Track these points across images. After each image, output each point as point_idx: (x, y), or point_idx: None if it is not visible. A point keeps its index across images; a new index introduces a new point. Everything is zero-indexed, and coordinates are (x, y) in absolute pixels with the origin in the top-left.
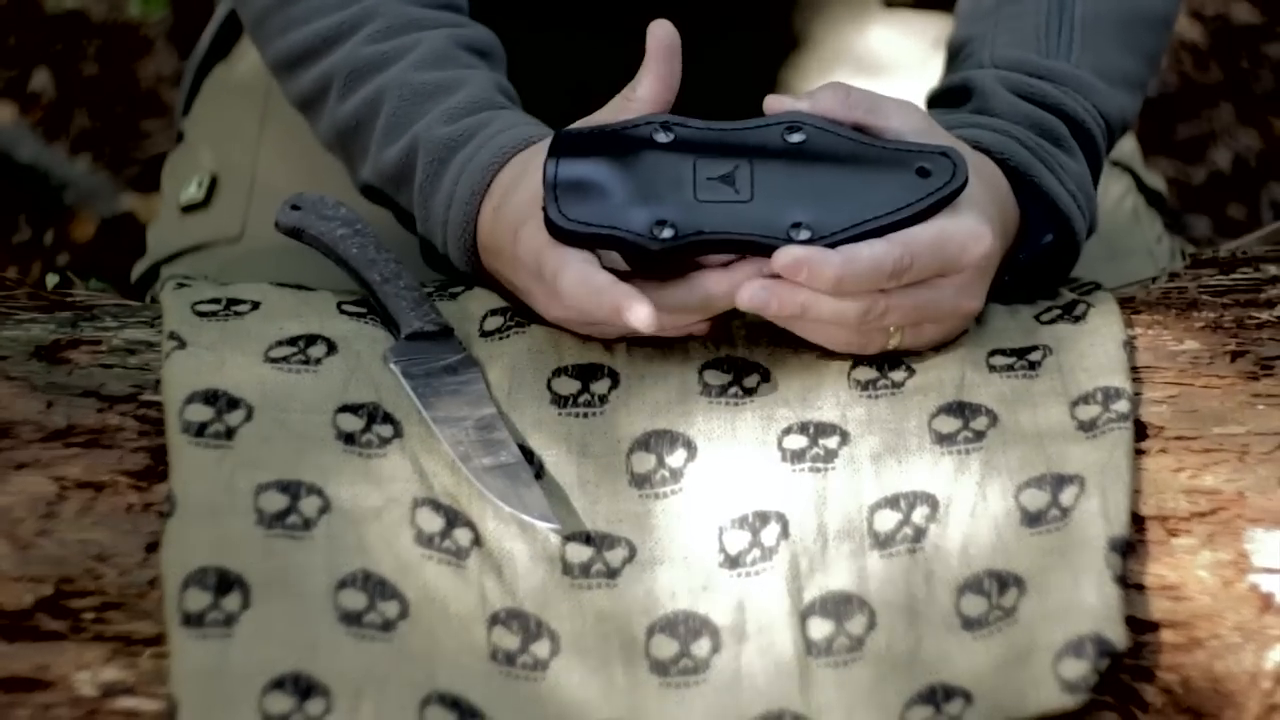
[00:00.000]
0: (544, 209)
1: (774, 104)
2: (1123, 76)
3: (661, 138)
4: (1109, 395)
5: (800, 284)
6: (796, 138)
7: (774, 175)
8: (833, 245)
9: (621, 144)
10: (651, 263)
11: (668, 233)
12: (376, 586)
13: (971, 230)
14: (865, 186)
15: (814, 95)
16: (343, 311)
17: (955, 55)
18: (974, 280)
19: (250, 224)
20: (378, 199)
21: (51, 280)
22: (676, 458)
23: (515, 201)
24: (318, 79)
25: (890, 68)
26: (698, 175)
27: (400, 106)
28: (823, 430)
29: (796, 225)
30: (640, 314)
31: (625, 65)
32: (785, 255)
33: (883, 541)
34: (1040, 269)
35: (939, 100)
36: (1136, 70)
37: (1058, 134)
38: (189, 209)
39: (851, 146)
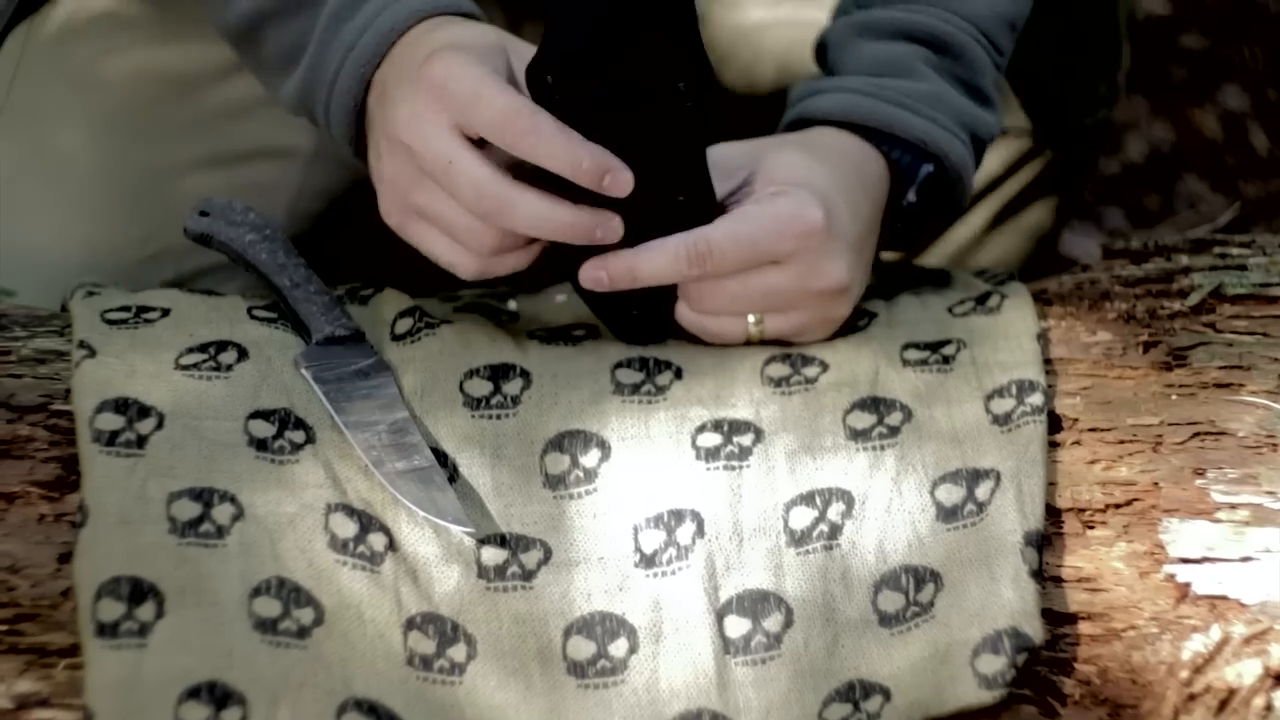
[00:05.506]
0: None
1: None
2: None
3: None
4: (1023, 388)
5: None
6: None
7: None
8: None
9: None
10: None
11: None
12: (291, 593)
13: (787, 214)
14: None
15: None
16: (253, 317)
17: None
18: (818, 260)
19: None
20: (243, 40)
21: None
22: (590, 458)
23: (446, 36)
24: None
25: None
26: None
27: None
28: (737, 428)
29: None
30: (624, 177)
31: None
32: (586, 269)
33: (799, 539)
34: (935, 199)
35: (816, 57)
36: None
37: (905, 65)
38: None
39: None
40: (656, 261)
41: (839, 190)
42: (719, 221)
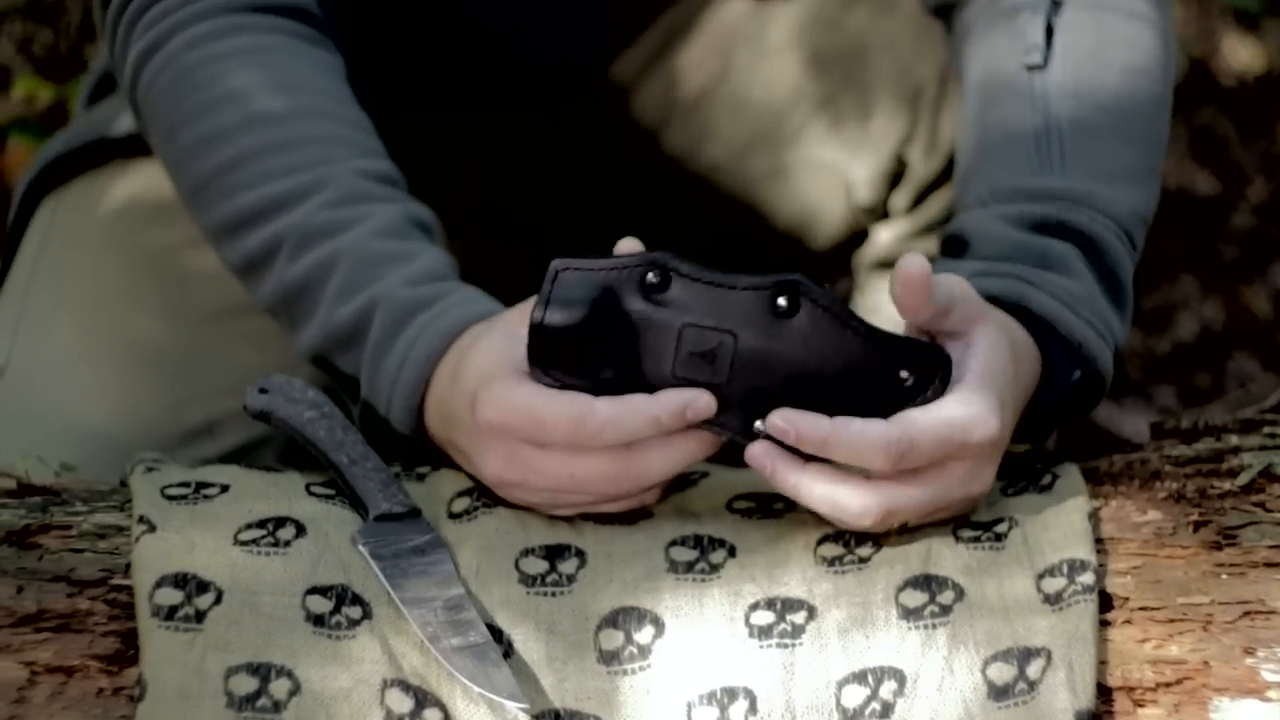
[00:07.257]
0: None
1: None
2: (1124, 172)
3: (652, 277)
4: (1074, 567)
5: (800, 463)
6: (783, 303)
7: (754, 357)
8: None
9: (611, 292)
10: None
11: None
12: None
13: (976, 417)
14: (839, 383)
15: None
16: (311, 493)
17: (960, 196)
18: (982, 466)
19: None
20: (317, 364)
21: (22, 464)
22: (644, 634)
23: (474, 365)
24: (267, 240)
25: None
26: (680, 348)
27: (356, 269)
28: (790, 605)
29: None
30: (703, 400)
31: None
32: (777, 416)
33: (851, 717)
34: (1070, 402)
35: (945, 250)
36: (1138, 160)
37: (1061, 259)
38: None
39: (835, 330)
40: (855, 444)
41: (1012, 398)
42: (924, 422)
